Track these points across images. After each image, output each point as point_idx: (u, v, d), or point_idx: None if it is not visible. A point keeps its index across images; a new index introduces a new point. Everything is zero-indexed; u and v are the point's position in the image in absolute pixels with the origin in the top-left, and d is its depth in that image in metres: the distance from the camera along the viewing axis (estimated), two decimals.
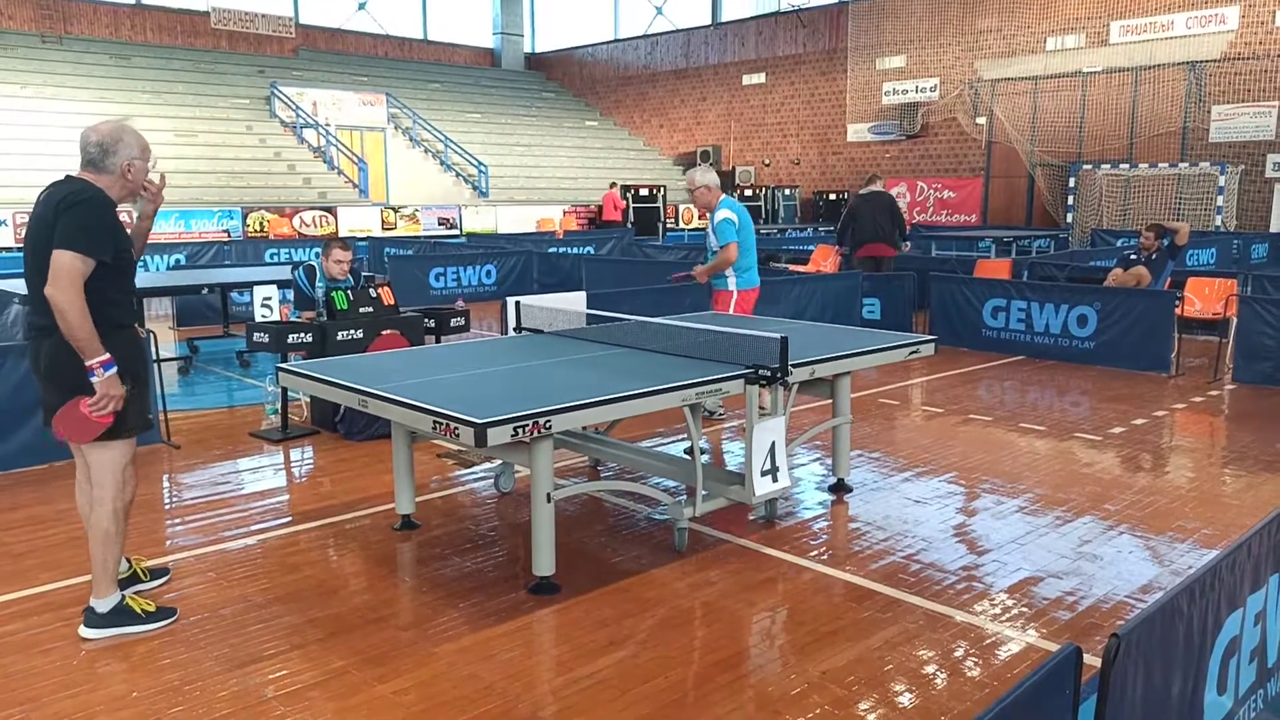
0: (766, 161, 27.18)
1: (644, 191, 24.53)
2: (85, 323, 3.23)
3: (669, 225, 24.47)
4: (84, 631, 3.51)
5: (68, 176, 3.45)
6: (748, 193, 25.26)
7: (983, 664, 3.37)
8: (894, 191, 24.01)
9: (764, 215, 25.09)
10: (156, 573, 4.01)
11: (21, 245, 17.62)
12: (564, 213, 24.26)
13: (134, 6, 25.71)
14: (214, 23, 26.64)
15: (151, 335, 6.17)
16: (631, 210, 23.78)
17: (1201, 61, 19.10)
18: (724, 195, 6.73)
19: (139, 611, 3.56)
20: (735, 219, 6.51)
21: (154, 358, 6.15)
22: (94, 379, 3.30)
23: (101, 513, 3.50)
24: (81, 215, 3.25)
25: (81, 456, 3.61)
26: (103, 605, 3.53)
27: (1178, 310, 8.73)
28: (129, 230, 3.59)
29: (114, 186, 3.41)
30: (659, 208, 24.53)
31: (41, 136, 19.63)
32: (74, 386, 3.35)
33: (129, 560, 3.88)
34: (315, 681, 3.23)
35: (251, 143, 22.05)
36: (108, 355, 3.31)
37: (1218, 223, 18.01)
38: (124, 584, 3.75)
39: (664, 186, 25.13)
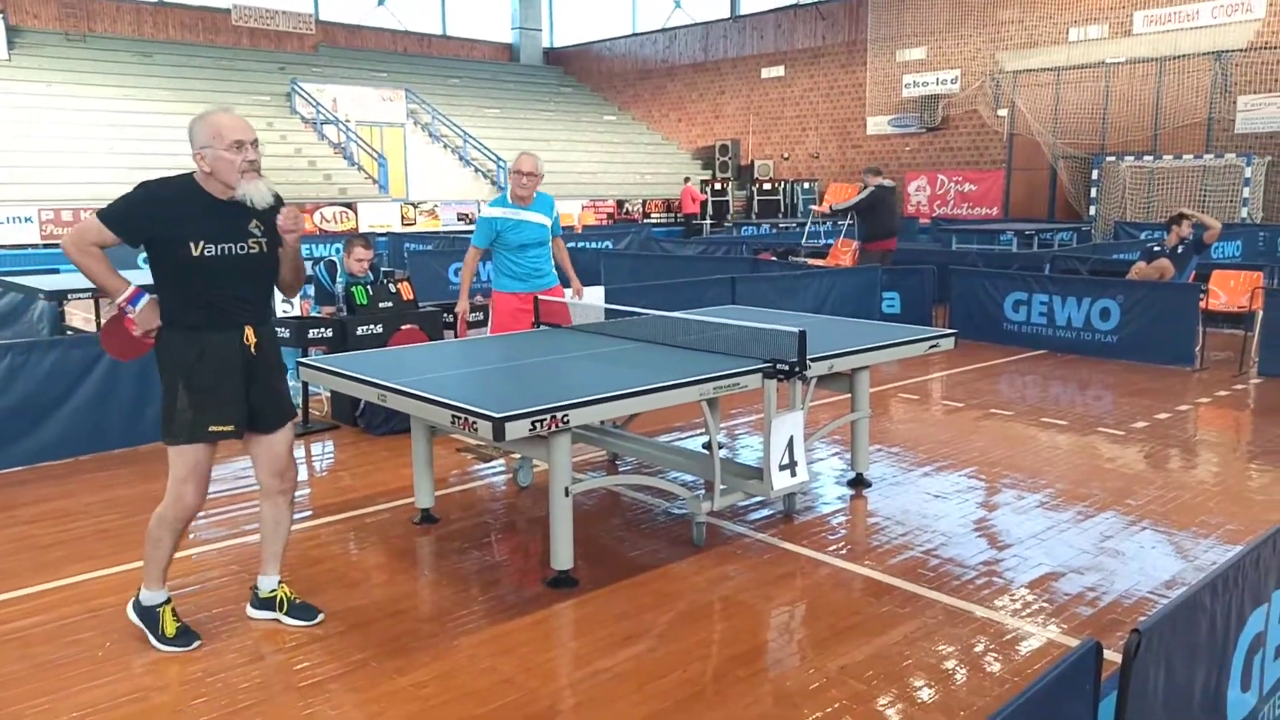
0: (785, 155, 27.06)
1: (717, 186, 25.32)
2: (93, 264, 3.20)
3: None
4: (128, 608, 3.54)
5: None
6: (766, 186, 25.18)
7: (1003, 659, 3.36)
8: (914, 185, 23.92)
9: (783, 209, 25.02)
10: (302, 610, 3.63)
11: (48, 241, 17.84)
12: (583, 207, 24.29)
13: (156, 4, 25.91)
14: (235, 20, 26.81)
15: None
16: (710, 204, 24.64)
17: (1227, 51, 18.84)
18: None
19: (162, 627, 3.44)
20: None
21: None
22: (129, 315, 3.29)
23: (156, 511, 3.42)
24: (129, 195, 3.25)
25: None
26: (142, 596, 3.49)
27: (1202, 303, 8.63)
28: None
29: (206, 179, 3.28)
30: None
31: (66, 134, 19.86)
32: (164, 381, 3.32)
33: (279, 583, 3.66)
34: (336, 674, 3.26)
35: (272, 139, 22.17)
36: (133, 288, 3.26)
37: (1244, 214, 17.76)
38: (263, 604, 3.64)
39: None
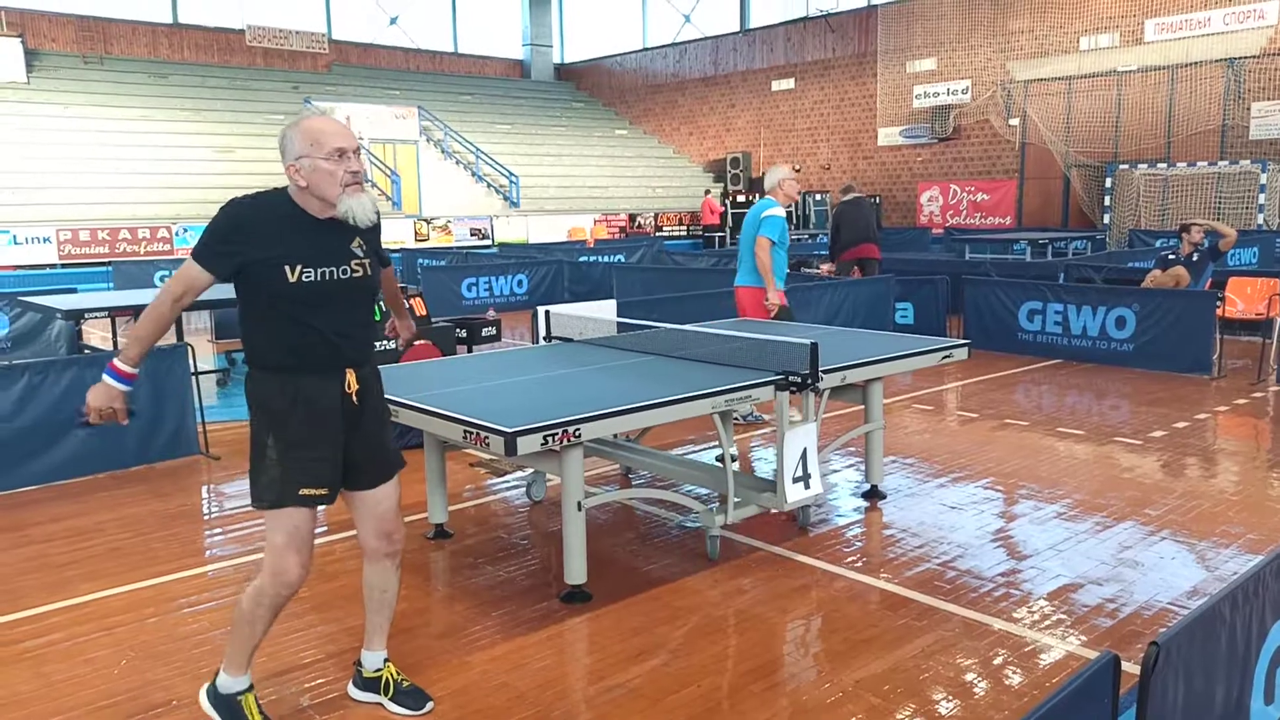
0: (797, 167, 27.07)
1: (740, 198, 25.33)
2: (144, 325, 2.78)
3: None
4: (201, 695, 3.04)
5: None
6: None
7: (1021, 672, 3.32)
8: (927, 195, 23.88)
9: (795, 220, 25.04)
10: (411, 696, 3.14)
11: (66, 261, 18.00)
12: (594, 222, 24.37)
13: (171, 26, 26.25)
14: (249, 40, 27.12)
15: (190, 350, 6.28)
16: (729, 215, 24.69)
17: (1240, 58, 18.76)
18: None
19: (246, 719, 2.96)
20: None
21: (192, 370, 6.25)
22: (101, 381, 2.80)
23: (251, 585, 2.94)
24: (213, 220, 2.81)
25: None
26: (221, 683, 2.98)
27: (1219, 311, 8.56)
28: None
29: (300, 195, 2.82)
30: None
31: (84, 155, 20.10)
32: (255, 438, 2.86)
33: (385, 661, 3.18)
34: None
35: None
36: (127, 370, 2.79)
37: (1260, 221, 17.64)
38: (367, 684, 3.18)
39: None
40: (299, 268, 2.77)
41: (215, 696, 2.98)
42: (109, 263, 16.42)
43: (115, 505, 5.32)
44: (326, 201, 2.80)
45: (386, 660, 3.19)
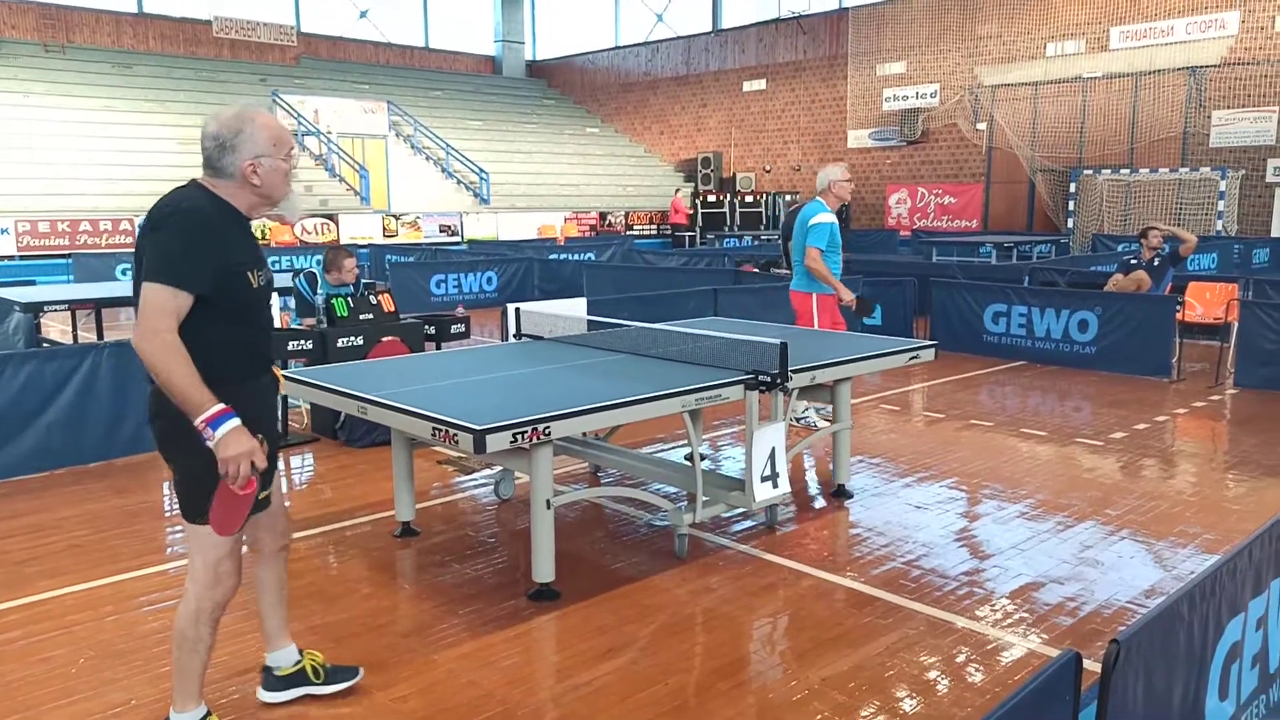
0: (767, 168, 27.19)
1: (711, 198, 25.33)
2: (181, 372, 2.45)
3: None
4: None
5: (192, 181, 2.70)
6: (748, 199, 25.29)
7: (985, 670, 3.36)
8: (895, 197, 24.09)
9: (765, 221, 25.13)
10: (339, 673, 3.15)
11: (24, 253, 17.64)
12: (565, 220, 24.31)
13: (136, 15, 25.81)
14: (216, 31, 26.73)
15: None
16: (700, 214, 24.69)
17: (1202, 67, 19.11)
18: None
19: None
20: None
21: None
22: (208, 443, 2.47)
23: (182, 610, 2.74)
24: (171, 236, 2.49)
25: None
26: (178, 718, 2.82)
27: (1179, 315, 8.72)
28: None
29: (238, 193, 2.66)
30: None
31: (44, 145, 19.70)
32: (185, 447, 2.58)
33: (300, 652, 3.12)
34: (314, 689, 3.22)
35: None
36: (219, 407, 2.47)
37: (1219, 227, 17.99)
38: (289, 681, 3.09)
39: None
40: (256, 272, 2.68)
41: None
42: (69, 255, 16.13)
43: (75, 501, 5.23)
44: (269, 201, 2.71)
45: (300, 650, 3.15)
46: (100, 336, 8.89)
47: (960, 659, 3.43)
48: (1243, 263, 15.36)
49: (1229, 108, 18.94)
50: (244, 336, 2.70)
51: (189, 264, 2.50)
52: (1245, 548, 2.41)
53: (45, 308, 7.82)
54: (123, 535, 4.70)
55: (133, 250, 2.98)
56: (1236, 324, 8.43)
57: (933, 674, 3.33)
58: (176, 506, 2.91)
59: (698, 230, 24.31)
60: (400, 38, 30.99)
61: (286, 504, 3.05)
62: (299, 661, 3.13)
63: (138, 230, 2.85)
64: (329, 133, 23.49)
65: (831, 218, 6.60)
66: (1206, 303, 9.31)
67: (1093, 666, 2.96)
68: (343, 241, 19.78)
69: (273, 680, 3.13)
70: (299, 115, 23.50)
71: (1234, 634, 2.43)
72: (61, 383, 5.79)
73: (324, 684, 3.13)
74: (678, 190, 25.18)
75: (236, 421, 2.49)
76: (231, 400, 2.52)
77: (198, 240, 2.53)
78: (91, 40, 25.02)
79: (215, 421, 2.46)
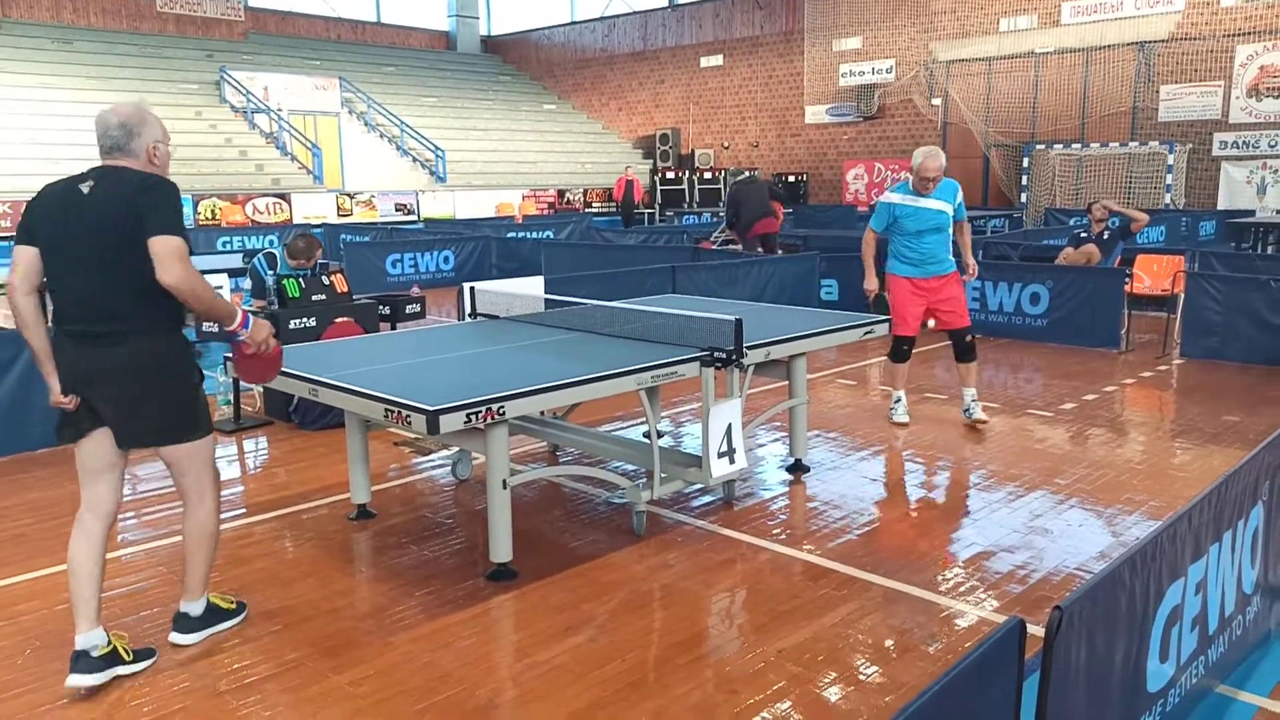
0: (726, 144, 27.17)
1: (670, 175, 25.18)
2: (215, 295, 3.17)
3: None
4: (181, 639, 3.38)
5: (107, 167, 3.13)
6: (707, 175, 25.27)
7: (938, 638, 3.42)
8: (853, 173, 24.22)
9: (724, 198, 25.11)
10: (141, 654, 3.27)
11: None
12: (523, 197, 24.10)
13: None
14: (160, 6, 26.00)
15: None
16: (659, 191, 24.59)
17: (1150, 42, 19.38)
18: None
19: (224, 606, 3.50)
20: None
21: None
22: (242, 339, 3.35)
23: (203, 513, 3.34)
24: (169, 198, 3.08)
25: (98, 484, 3.25)
26: (197, 607, 3.40)
27: (1127, 287, 8.88)
28: None
29: (147, 172, 3.17)
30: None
31: None
32: (181, 386, 3.24)
33: (108, 635, 3.20)
34: (270, 674, 3.19)
35: (201, 128, 21.58)
36: (243, 310, 3.35)
37: (1167, 201, 18.33)
38: (106, 661, 3.13)
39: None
40: None
41: (197, 622, 3.40)
42: (9, 238, 15.69)
43: (21, 489, 5.11)
44: None
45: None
46: (47, 320, 8.65)
47: (914, 628, 3.49)
48: (1190, 235, 15.68)
49: (1176, 82, 19.25)
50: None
51: (181, 219, 3.11)
52: (1185, 514, 2.47)
53: None
54: (70, 524, 4.58)
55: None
56: (1182, 296, 8.61)
57: (888, 643, 3.38)
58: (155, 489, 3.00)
59: (656, 209, 24.19)
60: (351, 12, 30.40)
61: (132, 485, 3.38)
62: (110, 643, 3.20)
63: (81, 210, 3.08)
64: (279, 110, 23.02)
65: (897, 198, 6.14)
66: (1154, 275, 9.49)
67: (1038, 632, 3.03)
68: (296, 220, 19.45)
69: (187, 623, 3.44)
70: (248, 92, 23.01)
71: (1174, 598, 2.50)
72: (5, 367, 5.64)
73: (224, 622, 3.50)
74: (628, 168, 24.60)
75: (253, 318, 3.40)
76: (182, 342, 3.26)
77: (179, 205, 3.14)
78: (29, 15, 24.21)
79: (246, 321, 3.35)
